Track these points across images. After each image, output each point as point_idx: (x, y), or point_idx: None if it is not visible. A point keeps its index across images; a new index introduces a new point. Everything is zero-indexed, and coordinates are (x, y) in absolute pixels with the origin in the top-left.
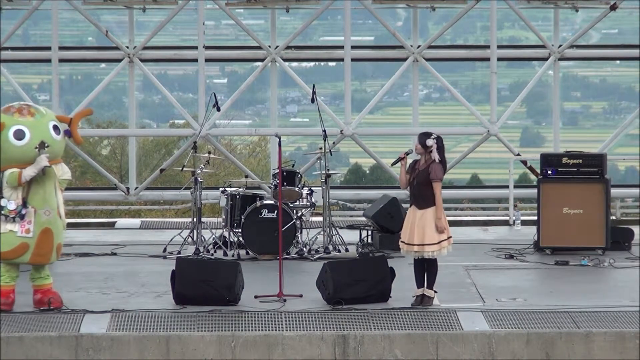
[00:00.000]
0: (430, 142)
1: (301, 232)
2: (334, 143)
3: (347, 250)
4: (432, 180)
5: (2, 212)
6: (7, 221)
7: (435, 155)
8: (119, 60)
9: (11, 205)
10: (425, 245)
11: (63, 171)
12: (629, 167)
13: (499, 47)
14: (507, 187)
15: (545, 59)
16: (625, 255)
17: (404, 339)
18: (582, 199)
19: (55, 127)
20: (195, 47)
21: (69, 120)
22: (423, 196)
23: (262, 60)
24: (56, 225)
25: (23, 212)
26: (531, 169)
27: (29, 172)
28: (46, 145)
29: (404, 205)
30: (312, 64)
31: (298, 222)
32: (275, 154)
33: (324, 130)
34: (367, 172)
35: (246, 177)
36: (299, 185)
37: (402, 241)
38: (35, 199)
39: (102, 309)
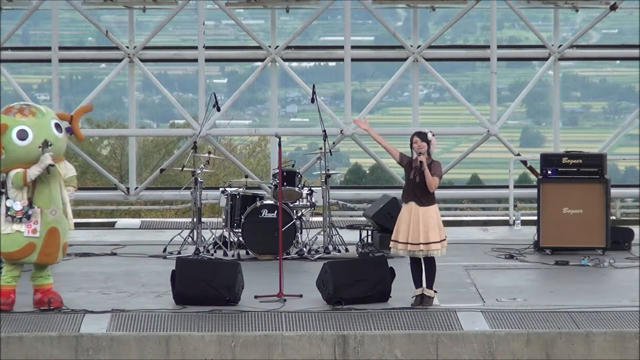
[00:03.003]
0: (430, 136)
1: (301, 232)
2: (334, 143)
3: (347, 250)
4: (434, 175)
5: (9, 212)
6: (14, 222)
7: (433, 148)
8: (119, 60)
9: (17, 206)
10: (431, 243)
11: (67, 169)
12: (629, 167)
13: (499, 47)
14: (507, 187)
15: (545, 59)
16: (625, 255)
17: (404, 339)
18: (582, 199)
19: (57, 125)
20: (195, 47)
21: (69, 117)
22: (425, 194)
23: (262, 60)
24: (62, 225)
25: (29, 212)
26: (531, 169)
27: (33, 172)
28: (49, 143)
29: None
30: (312, 64)
31: (298, 222)
32: (275, 154)
33: (324, 130)
34: (367, 172)
35: (246, 177)
36: (299, 185)
37: (401, 241)
38: (41, 199)
39: (102, 309)
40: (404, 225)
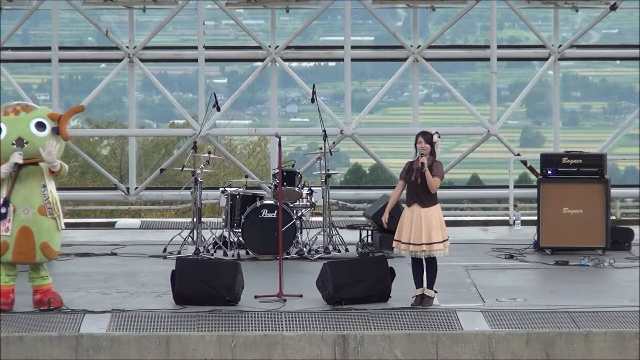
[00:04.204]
0: (435, 137)
1: (301, 232)
2: (334, 143)
3: (347, 250)
4: (435, 175)
5: None
6: None
7: (437, 150)
8: (119, 60)
9: None
10: (434, 244)
11: (51, 158)
12: (629, 167)
13: (499, 47)
14: (507, 187)
15: (545, 59)
16: (625, 255)
17: (404, 339)
18: (582, 199)
19: (40, 124)
20: (195, 47)
21: (58, 117)
22: (426, 194)
23: (262, 60)
24: (37, 224)
25: (3, 210)
26: (531, 169)
27: (2, 170)
28: (25, 142)
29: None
30: (312, 64)
31: (298, 222)
32: (275, 154)
33: (324, 130)
34: (367, 172)
35: (246, 177)
36: (299, 185)
37: (404, 242)
38: (17, 198)
39: (102, 309)
40: (406, 226)
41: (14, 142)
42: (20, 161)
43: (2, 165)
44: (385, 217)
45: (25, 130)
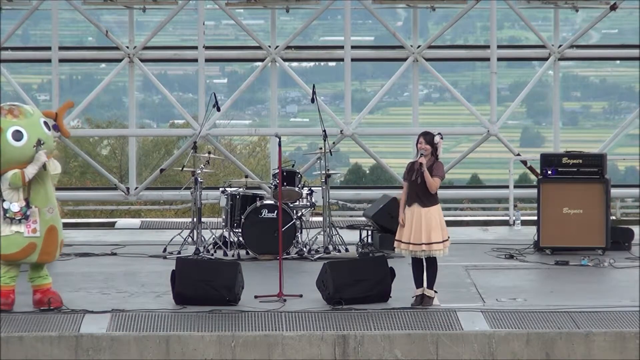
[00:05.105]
0: (437, 139)
1: (301, 232)
2: (334, 143)
3: (347, 250)
4: (435, 176)
5: (7, 214)
6: (13, 223)
7: (439, 152)
8: (119, 60)
9: (15, 207)
10: (433, 244)
11: (55, 166)
12: (629, 167)
13: (499, 47)
14: (507, 187)
15: (545, 59)
16: (625, 255)
17: (404, 339)
18: (582, 199)
19: (46, 124)
20: (195, 47)
21: (54, 115)
22: (426, 194)
23: (262, 60)
24: (58, 223)
25: (28, 212)
26: (531, 169)
27: (30, 171)
28: (42, 142)
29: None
30: (312, 64)
31: (298, 222)
32: (275, 154)
33: (324, 130)
34: (367, 172)
35: (246, 177)
36: (299, 185)
37: (404, 241)
38: (38, 198)
39: (102, 309)
40: (406, 226)
41: (34, 145)
42: (47, 160)
43: (27, 167)
44: (401, 218)
45: (41, 131)
